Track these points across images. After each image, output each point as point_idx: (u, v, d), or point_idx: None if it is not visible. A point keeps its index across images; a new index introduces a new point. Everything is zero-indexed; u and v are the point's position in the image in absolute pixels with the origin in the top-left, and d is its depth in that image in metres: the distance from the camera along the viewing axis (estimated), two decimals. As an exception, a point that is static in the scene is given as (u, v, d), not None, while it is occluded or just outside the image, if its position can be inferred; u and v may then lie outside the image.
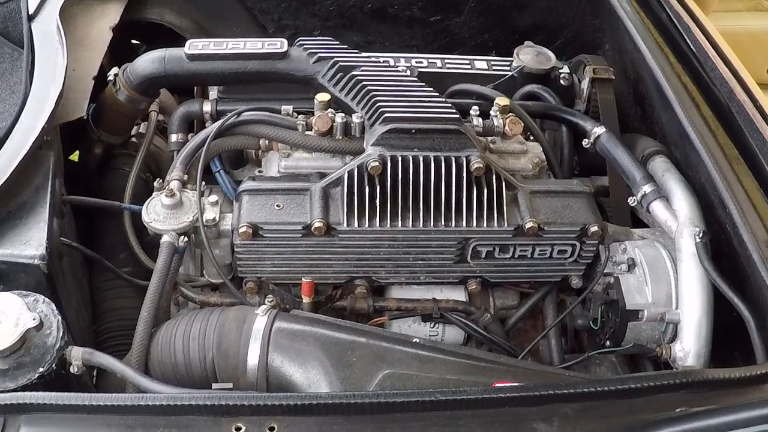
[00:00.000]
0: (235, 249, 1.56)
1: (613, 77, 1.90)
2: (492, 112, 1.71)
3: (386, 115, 1.57)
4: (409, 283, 1.64)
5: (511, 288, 1.74)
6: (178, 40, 2.00)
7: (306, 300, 1.54)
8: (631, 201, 1.70)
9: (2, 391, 1.23)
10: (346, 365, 1.33)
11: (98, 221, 1.81)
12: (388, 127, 1.56)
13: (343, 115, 1.62)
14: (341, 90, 1.68)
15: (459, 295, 1.68)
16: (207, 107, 1.80)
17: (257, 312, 1.40)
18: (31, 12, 1.84)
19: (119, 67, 1.81)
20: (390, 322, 1.66)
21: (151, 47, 1.85)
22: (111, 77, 1.80)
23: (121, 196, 1.79)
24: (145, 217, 1.55)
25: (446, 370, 1.35)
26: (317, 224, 1.52)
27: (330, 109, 1.66)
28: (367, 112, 1.61)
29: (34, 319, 1.27)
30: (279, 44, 1.75)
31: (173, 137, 1.80)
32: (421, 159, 1.55)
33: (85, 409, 1.15)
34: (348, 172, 1.55)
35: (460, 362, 1.37)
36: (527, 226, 1.56)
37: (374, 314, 1.64)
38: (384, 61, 1.80)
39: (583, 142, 1.79)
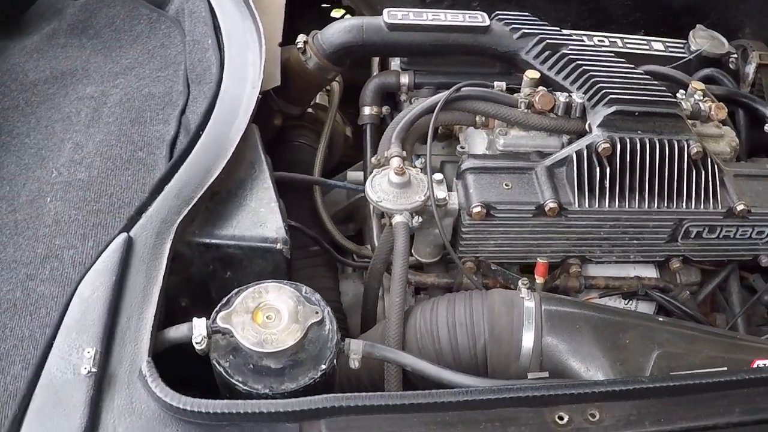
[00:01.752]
0: (462, 228, 1.54)
1: (777, 63, 1.96)
2: (696, 96, 1.72)
3: (611, 96, 1.57)
4: (619, 261, 1.67)
5: (693, 265, 1.78)
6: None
7: (539, 280, 1.54)
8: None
9: (284, 395, 1.10)
10: (621, 347, 1.34)
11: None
12: (613, 108, 1.56)
13: (566, 94, 1.61)
14: (550, 68, 1.67)
15: (650, 272, 1.72)
16: (404, 79, 1.75)
17: (522, 295, 1.38)
18: None
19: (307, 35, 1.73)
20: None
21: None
22: (300, 44, 1.71)
23: (298, 170, 1.73)
24: (372, 196, 1.50)
25: (709, 348, 1.38)
26: (551, 204, 1.51)
27: (542, 87, 1.64)
28: (586, 92, 1.61)
29: (317, 313, 1.13)
30: (480, 18, 1.71)
31: (366, 110, 1.75)
32: (647, 141, 1.56)
33: (396, 409, 1.06)
34: (576, 152, 1.54)
35: (716, 339, 1.42)
36: (738, 208, 1.60)
37: (582, 292, 1.66)
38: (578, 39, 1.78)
39: (765, 128, 1.83)
